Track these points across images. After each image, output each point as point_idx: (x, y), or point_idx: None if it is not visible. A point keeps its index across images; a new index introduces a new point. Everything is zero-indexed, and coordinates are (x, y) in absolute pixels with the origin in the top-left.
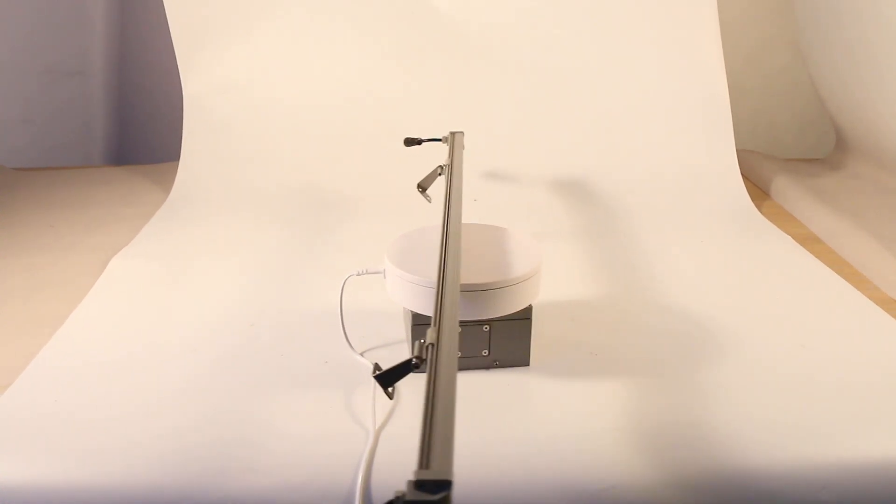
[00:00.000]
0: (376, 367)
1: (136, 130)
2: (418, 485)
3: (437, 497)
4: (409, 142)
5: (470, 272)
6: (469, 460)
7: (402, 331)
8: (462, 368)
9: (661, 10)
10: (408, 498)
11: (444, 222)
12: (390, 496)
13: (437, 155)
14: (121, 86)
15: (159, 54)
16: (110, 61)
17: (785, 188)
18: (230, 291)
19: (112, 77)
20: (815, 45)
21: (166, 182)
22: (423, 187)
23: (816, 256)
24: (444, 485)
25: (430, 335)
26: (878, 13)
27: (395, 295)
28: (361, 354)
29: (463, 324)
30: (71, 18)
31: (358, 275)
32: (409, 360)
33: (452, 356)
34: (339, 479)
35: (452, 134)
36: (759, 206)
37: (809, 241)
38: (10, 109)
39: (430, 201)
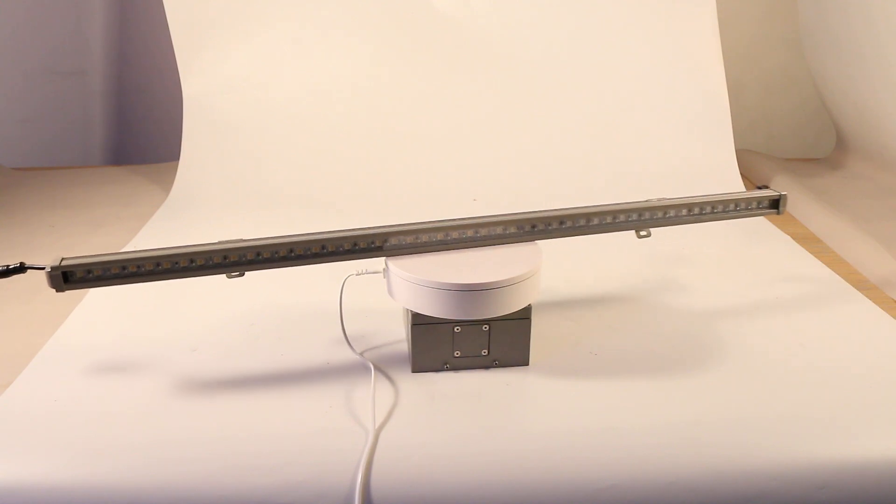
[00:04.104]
0: None
1: (135, 130)
2: (54, 268)
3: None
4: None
5: (470, 272)
6: (469, 459)
7: (402, 330)
8: (462, 368)
9: (660, 9)
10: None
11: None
12: (390, 496)
13: (436, 166)
14: (120, 85)
15: (159, 53)
16: (110, 61)
17: (784, 188)
18: (230, 291)
19: (112, 76)
20: (817, 43)
21: (166, 182)
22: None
23: (816, 256)
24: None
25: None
26: (883, 11)
27: (395, 294)
28: (361, 354)
29: (463, 323)
30: (70, 18)
31: (358, 274)
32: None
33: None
34: (339, 479)
35: (764, 187)
36: None
37: (809, 241)
38: (9, 109)
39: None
